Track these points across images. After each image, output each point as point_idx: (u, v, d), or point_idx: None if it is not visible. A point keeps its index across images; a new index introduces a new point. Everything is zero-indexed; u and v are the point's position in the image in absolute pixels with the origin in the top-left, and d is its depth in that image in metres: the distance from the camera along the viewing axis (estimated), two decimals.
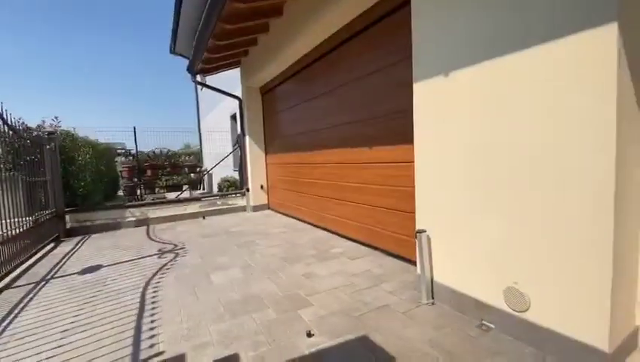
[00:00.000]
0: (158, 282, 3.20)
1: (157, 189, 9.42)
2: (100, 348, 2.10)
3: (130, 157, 9.14)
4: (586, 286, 1.63)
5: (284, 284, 2.97)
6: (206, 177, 12.80)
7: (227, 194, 7.51)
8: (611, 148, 1.49)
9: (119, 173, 8.16)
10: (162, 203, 6.70)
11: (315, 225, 5.31)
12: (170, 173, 9.68)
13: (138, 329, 2.31)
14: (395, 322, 2.22)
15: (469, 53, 2.10)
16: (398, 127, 3.30)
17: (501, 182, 1.97)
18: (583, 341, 1.65)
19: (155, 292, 2.95)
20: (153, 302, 2.73)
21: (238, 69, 7.20)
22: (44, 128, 6.16)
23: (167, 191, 9.32)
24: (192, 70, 6.11)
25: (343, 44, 4.17)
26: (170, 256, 4.09)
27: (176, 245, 4.61)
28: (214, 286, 3.01)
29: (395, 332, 2.09)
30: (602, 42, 1.49)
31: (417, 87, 2.52)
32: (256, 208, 7.10)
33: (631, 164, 1.60)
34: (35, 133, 5.41)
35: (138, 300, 2.79)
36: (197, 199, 7.07)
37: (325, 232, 4.91)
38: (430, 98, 2.43)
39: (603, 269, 1.56)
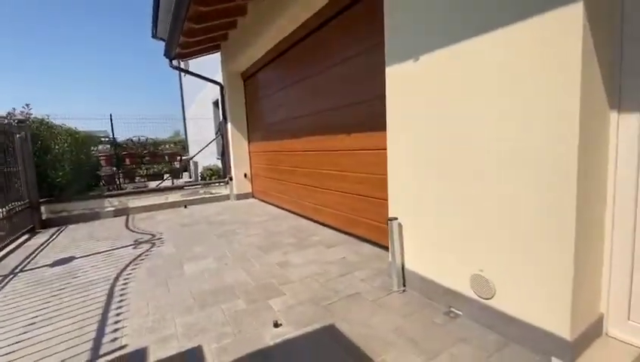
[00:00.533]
0: (130, 273, 3.13)
1: (137, 178, 9.20)
2: (60, 343, 2.03)
3: (107, 146, 8.88)
4: (547, 274, 1.62)
5: (258, 274, 2.93)
6: (192, 165, 12.60)
7: (210, 183, 7.39)
8: (574, 138, 1.45)
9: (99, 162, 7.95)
10: (142, 192, 6.56)
11: (296, 214, 5.26)
12: (150, 162, 9.43)
13: (102, 323, 2.25)
14: (364, 310, 2.20)
15: (437, 37, 2.02)
16: (375, 114, 3.22)
17: (466, 172, 1.93)
18: (545, 328, 1.65)
19: (125, 284, 2.89)
20: (122, 295, 2.67)
21: (219, 54, 6.98)
22: (15, 116, 5.89)
23: (148, 180, 9.12)
24: (168, 54, 5.89)
25: (320, 27, 4.03)
26: (146, 246, 4.01)
27: (153, 235, 4.53)
28: (186, 277, 2.95)
29: (362, 320, 2.08)
30: (565, 25, 1.43)
31: (389, 73, 2.44)
32: (239, 197, 7.01)
33: (593, 154, 1.57)
34: (5, 121, 5.18)
35: (107, 292, 2.73)
36: (179, 188, 6.94)
37: (306, 220, 4.87)
38: (400, 84, 2.35)
39: (564, 258, 1.54)
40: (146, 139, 9.59)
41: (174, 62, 6.56)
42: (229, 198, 7.12)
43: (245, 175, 7.11)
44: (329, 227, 4.33)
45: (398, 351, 1.76)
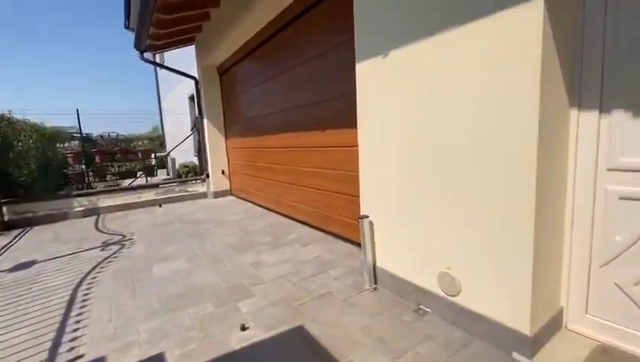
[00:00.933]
0: (95, 277, 2.99)
1: (109, 177, 8.81)
2: (12, 354, 1.92)
3: (75, 142, 8.47)
4: (508, 272, 1.64)
5: (230, 275, 2.86)
6: (170, 162, 12.25)
7: (186, 181, 7.19)
8: (533, 135, 1.46)
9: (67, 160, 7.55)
10: (114, 191, 6.31)
11: (274, 211, 5.19)
12: (122, 160, 9.03)
13: (60, 331, 2.14)
14: (334, 310, 2.18)
15: (405, 34, 1.99)
16: (347, 111, 3.18)
17: (433, 170, 1.93)
18: (507, 324, 1.67)
19: (88, 288, 2.76)
20: (84, 300, 2.54)
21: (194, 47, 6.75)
22: None
23: (120, 179, 8.74)
24: (138, 46, 5.64)
25: (291, 23, 3.95)
26: (115, 247, 3.85)
27: (124, 236, 4.36)
28: (155, 280, 2.85)
29: (332, 320, 2.05)
30: (525, 22, 1.43)
31: (359, 70, 2.41)
32: (217, 194, 6.86)
33: (553, 152, 1.59)
34: None
35: (68, 298, 2.59)
36: (154, 186, 6.72)
37: (284, 218, 4.81)
38: (369, 81, 2.33)
39: (523, 255, 1.56)
40: (117, 136, 9.18)
41: (146, 55, 6.30)
42: (206, 196, 6.96)
43: (223, 172, 6.96)
44: (306, 224, 4.29)
45: (365, 351, 1.75)
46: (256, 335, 1.95)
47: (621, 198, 1.56)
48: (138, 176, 8.60)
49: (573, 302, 1.77)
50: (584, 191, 1.67)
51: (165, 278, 2.87)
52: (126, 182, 7.76)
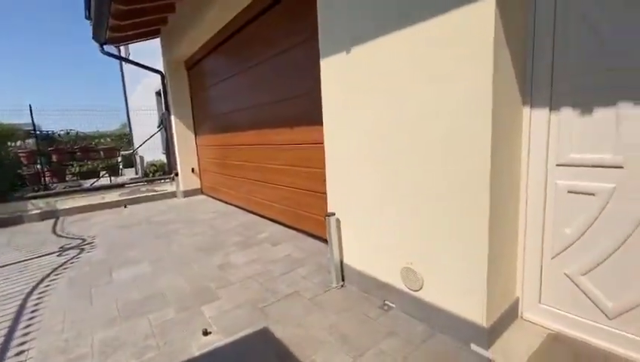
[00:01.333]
0: (49, 285, 2.81)
1: (69, 177, 8.28)
2: None
3: (28, 141, 7.89)
4: (465, 266, 1.67)
5: (195, 277, 2.77)
6: (138, 161, 11.76)
7: (154, 180, 6.92)
8: (487, 133, 1.48)
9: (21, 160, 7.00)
10: (75, 192, 5.96)
11: (246, 210, 5.09)
12: (82, 158, 8.46)
13: (5, 345, 1.99)
14: (300, 309, 2.15)
15: (367, 30, 1.98)
16: (315, 107, 3.15)
17: (394, 166, 1.94)
18: (465, 317, 1.71)
19: (40, 297, 2.58)
20: (34, 311, 2.38)
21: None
22: None
23: (82, 179, 8.23)
24: (97, 39, 5.32)
25: (261, 14, 3.84)
26: (73, 252, 3.64)
27: (84, 240, 4.12)
28: (114, 286, 2.71)
29: (296, 320, 2.03)
30: (479, 18, 1.44)
31: (324, 66, 2.37)
32: (187, 193, 6.65)
33: (505, 150, 1.63)
34: None
35: (17, 309, 2.42)
36: (119, 186, 6.42)
37: (256, 216, 4.72)
38: (333, 78, 2.30)
39: (478, 250, 1.59)
40: (77, 133, 8.63)
41: (107, 48, 5.96)
42: (175, 196, 6.72)
43: (193, 170, 6.75)
44: (278, 223, 4.23)
45: (329, 350, 1.73)
46: (217, 340, 1.89)
47: (570, 192, 1.63)
48: (101, 175, 8.15)
49: (528, 293, 1.84)
50: (536, 186, 1.73)
51: (126, 283, 2.73)
52: (88, 183, 7.35)
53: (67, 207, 5.61)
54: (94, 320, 2.20)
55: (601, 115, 1.49)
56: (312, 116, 3.17)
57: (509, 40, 1.51)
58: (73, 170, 8.53)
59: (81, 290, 2.66)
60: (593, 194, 1.55)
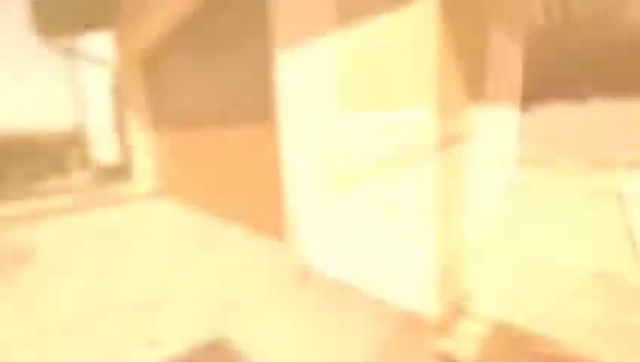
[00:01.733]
0: None
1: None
2: None
3: None
4: (415, 260, 1.69)
5: (146, 288, 2.58)
6: (93, 162, 10.99)
7: (109, 182, 6.47)
8: (433, 132, 1.49)
9: None
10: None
11: (208, 212, 4.88)
12: (19, 159, 7.43)
13: None
14: (259, 315, 2.06)
15: (323, 24, 1.93)
16: (274, 103, 3.07)
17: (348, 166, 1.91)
18: (419, 310, 1.72)
19: None
20: None
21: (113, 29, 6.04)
22: None
23: (18, 182, 7.30)
24: (37, 30, 4.87)
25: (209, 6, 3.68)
26: None
27: None
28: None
29: (256, 326, 1.94)
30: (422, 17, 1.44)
31: (280, 58, 2.30)
32: (146, 196, 6.28)
33: (453, 153, 1.65)
34: None
35: None
36: (66, 190, 5.92)
37: (218, 219, 4.54)
38: (289, 70, 2.24)
39: (427, 244, 1.61)
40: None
41: (51, 40, 5.49)
42: (132, 199, 6.32)
43: (153, 170, 6.39)
44: (240, 225, 4.08)
45: (288, 355, 1.67)
46: (168, 352, 1.76)
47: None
48: (45, 178, 7.42)
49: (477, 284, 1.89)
50: (486, 190, 1.77)
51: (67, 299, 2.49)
52: (28, 187, 6.69)
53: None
54: None
55: None
56: (272, 113, 3.08)
57: (454, 38, 1.51)
58: (13, 171, 7.66)
59: None
60: None
